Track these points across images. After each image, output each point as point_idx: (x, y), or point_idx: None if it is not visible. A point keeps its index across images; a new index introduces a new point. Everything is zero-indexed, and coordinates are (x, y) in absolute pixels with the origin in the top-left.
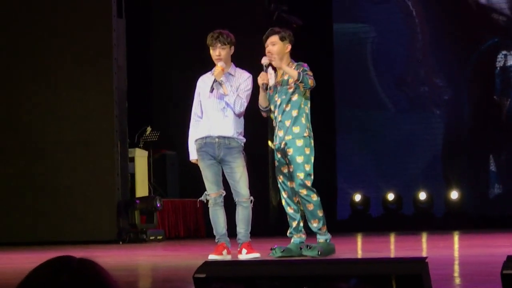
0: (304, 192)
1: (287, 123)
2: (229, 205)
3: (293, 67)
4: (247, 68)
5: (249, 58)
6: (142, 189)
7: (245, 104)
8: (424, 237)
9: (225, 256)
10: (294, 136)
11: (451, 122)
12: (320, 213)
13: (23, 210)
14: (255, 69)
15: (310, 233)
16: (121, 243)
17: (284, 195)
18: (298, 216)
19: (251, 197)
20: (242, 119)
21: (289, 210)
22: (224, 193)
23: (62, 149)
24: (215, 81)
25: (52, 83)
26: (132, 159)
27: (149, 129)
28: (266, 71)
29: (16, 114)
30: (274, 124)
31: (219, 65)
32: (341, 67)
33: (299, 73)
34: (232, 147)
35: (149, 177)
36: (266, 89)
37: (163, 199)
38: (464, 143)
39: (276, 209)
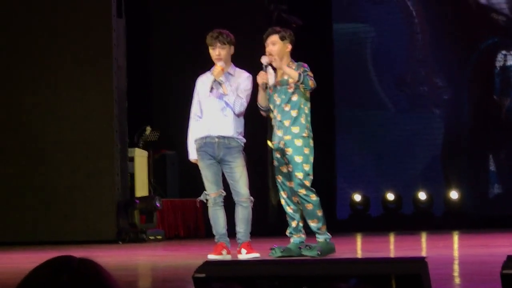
0: (303, 192)
1: (287, 123)
2: (229, 204)
3: (293, 67)
4: (246, 68)
5: (248, 58)
6: (141, 189)
7: (245, 104)
8: (423, 237)
9: (225, 256)
10: (293, 136)
11: (451, 122)
12: (319, 213)
13: (23, 210)
14: (255, 69)
15: (309, 233)
16: (120, 243)
17: (283, 195)
18: (297, 216)
19: (251, 197)
20: (242, 119)
21: (289, 210)
22: (224, 193)
23: (62, 149)
24: (214, 80)
25: (52, 83)
26: (132, 159)
27: (148, 129)
28: (266, 71)
29: (16, 114)
30: (273, 124)
31: (219, 65)
32: (341, 67)
33: (299, 74)
34: (231, 147)
35: (148, 177)
36: (266, 88)
37: (163, 199)
38: (464, 143)
39: (275, 209)
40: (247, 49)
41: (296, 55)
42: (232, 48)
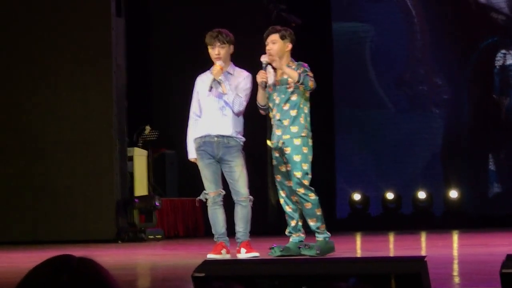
0: (301, 191)
1: (285, 122)
2: (228, 204)
3: (293, 67)
4: (246, 67)
5: (248, 58)
6: (141, 188)
7: (244, 103)
8: (423, 236)
9: (224, 255)
10: (292, 136)
11: (451, 121)
12: (318, 212)
13: (23, 209)
14: (254, 69)
15: (309, 232)
16: (120, 242)
17: (282, 194)
18: (296, 215)
19: (250, 197)
20: (241, 118)
21: (288, 209)
22: (223, 192)
23: (62, 149)
24: (214, 80)
25: (52, 83)
26: (131, 158)
27: (148, 128)
28: (265, 70)
29: (16, 114)
30: (272, 123)
31: (218, 64)
32: (341, 66)
33: (299, 74)
34: (231, 146)
35: (148, 176)
36: (265, 87)
37: (162, 198)
38: (464, 143)
39: (275, 208)
40: (247, 48)
41: (295, 55)
42: (232, 47)
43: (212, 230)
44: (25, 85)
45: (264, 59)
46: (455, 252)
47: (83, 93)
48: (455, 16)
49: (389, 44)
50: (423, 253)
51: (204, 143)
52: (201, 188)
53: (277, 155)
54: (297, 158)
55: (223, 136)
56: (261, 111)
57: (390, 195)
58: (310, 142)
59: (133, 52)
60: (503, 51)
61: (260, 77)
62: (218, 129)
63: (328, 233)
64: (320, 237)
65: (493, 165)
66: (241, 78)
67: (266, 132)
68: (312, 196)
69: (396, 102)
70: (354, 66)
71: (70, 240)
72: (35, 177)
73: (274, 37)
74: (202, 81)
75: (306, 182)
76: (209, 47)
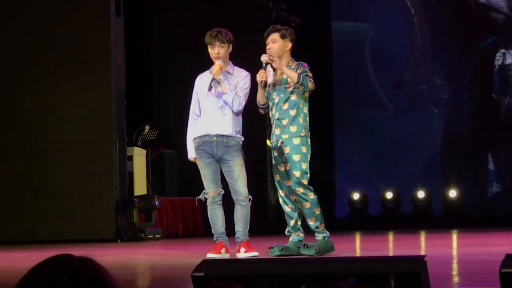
0: (300, 190)
1: (284, 122)
2: (228, 203)
3: (293, 67)
4: (245, 67)
5: (248, 57)
6: (140, 187)
7: (243, 103)
8: (422, 236)
9: (224, 255)
10: (290, 135)
11: (451, 121)
12: (317, 211)
13: (23, 209)
14: (254, 68)
15: (309, 232)
16: (119, 241)
17: (281, 193)
18: (295, 214)
19: (250, 196)
20: (240, 117)
21: (287, 209)
22: (223, 192)
23: (62, 149)
24: (213, 79)
25: (52, 83)
26: (131, 158)
27: (147, 127)
28: (265, 69)
29: (16, 114)
30: (271, 122)
31: (218, 64)
32: (340, 66)
33: (299, 76)
34: (230, 146)
35: (147, 176)
36: (265, 86)
37: (162, 197)
38: (463, 142)
39: (274, 208)
40: (246, 48)
41: (295, 55)
42: (231, 46)
43: (212, 230)
44: (25, 85)
45: (264, 58)
46: (455, 252)
47: (83, 93)
48: (455, 16)
49: (389, 44)
50: (422, 252)
51: (204, 142)
52: (201, 187)
53: (276, 154)
54: (296, 157)
55: (222, 136)
56: (261, 110)
57: (389, 195)
58: (308, 141)
59: (133, 52)
60: (503, 50)
61: (260, 76)
62: (217, 129)
63: (328, 233)
64: (319, 237)
65: (493, 165)
66: (241, 77)
67: (265, 131)
68: (311, 196)
69: (396, 102)
70: (354, 66)
71: (70, 240)
72: (35, 177)
73: (275, 36)
74: (202, 81)
75: (305, 182)
76: (208, 46)
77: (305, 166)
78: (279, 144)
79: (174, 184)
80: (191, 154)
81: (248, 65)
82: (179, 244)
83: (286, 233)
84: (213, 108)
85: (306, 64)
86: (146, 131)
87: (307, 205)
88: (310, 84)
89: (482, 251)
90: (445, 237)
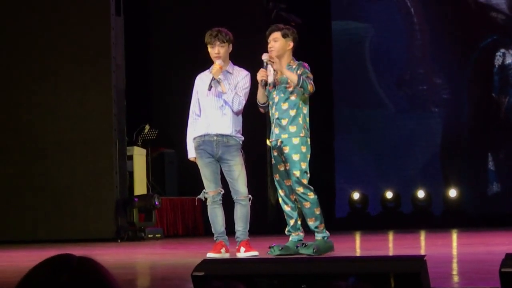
0: (300, 190)
1: (284, 121)
2: (228, 203)
3: (294, 66)
4: (246, 66)
5: (248, 57)
6: (140, 187)
7: (243, 102)
8: (422, 235)
9: (224, 254)
10: (290, 135)
11: (450, 121)
12: (317, 211)
13: (23, 209)
14: (254, 68)
15: (309, 231)
16: (119, 241)
17: (281, 193)
18: (295, 214)
19: (250, 195)
20: (240, 117)
21: (286, 208)
22: (223, 191)
23: (62, 149)
24: (213, 79)
25: (52, 83)
26: (131, 157)
27: (147, 127)
28: (266, 68)
29: (16, 114)
30: (271, 121)
31: (218, 63)
32: (340, 66)
33: (299, 78)
34: (230, 145)
35: (147, 175)
36: (265, 85)
37: (162, 197)
38: (463, 142)
39: (274, 207)
40: (246, 48)
41: (295, 54)
42: (231, 46)
43: (212, 229)
44: (25, 85)
45: (265, 57)
46: (454, 251)
47: (82, 93)
48: (455, 16)
49: (389, 44)
50: (422, 252)
51: (204, 142)
52: (201, 187)
53: (275, 154)
54: (295, 157)
55: (222, 135)
56: (261, 109)
57: (389, 194)
58: (308, 141)
59: (133, 52)
60: (503, 50)
61: (260, 75)
62: (217, 128)
63: (327, 232)
64: (319, 236)
65: (493, 165)
66: (240, 77)
67: (265, 131)
68: (311, 195)
69: (396, 102)
70: (354, 66)
71: (70, 239)
72: (35, 177)
73: (276, 35)
74: (202, 80)
75: (305, 181)
76: (208, 46)
77: (304, 165)
78: (278, 144)
79: (174, 184)
80: (191, 154)
81: (248, 65)
82: (179, 243)
83: (286, 232)
84: (213, 107)
85: (307, 65)
86: (146, 130)
87: (307, 204)
88: (310, 87)
89: (482, 251)
90: (445, 236)
